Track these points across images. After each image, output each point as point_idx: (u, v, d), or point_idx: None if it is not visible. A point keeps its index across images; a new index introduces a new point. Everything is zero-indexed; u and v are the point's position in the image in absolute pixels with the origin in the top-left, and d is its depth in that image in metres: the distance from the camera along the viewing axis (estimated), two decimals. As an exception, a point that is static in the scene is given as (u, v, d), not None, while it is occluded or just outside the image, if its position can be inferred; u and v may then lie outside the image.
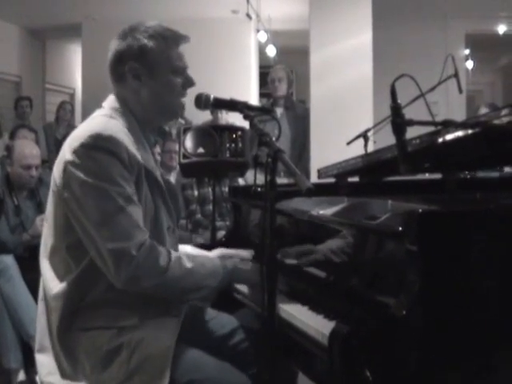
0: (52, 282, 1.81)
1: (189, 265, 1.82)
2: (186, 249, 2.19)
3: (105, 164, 1.72)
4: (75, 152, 1.74)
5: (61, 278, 1.80)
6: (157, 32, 1.88)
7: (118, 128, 1.81)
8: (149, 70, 1.87)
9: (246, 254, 2.15)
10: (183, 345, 1.81)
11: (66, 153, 1.77)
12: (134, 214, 1.74)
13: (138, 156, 1.80)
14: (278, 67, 5.91)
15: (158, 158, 4.93)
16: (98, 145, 1.73)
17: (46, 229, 1.88)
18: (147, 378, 1.71)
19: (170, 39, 1.89)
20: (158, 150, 4.94)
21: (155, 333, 1.77)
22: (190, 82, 1.95)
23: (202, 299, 1.91)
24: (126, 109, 1.89)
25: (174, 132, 6.01)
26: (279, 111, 5.60)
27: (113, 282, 1.73)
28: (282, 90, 5.65)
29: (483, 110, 5.07)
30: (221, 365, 1.81)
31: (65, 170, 1.75)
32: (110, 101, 1.92)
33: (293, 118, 5.66)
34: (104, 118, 1.84)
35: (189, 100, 1.97)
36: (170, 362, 1.73)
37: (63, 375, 1.76)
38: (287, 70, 5.81)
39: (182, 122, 6.05)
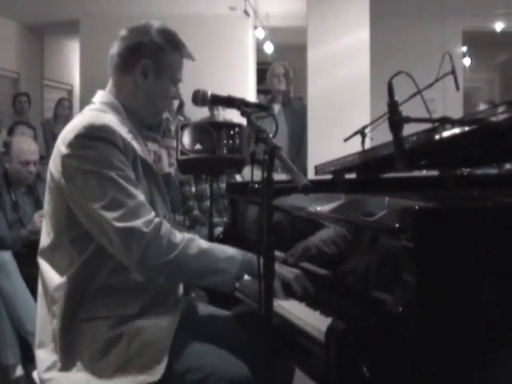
0: (54, 276, 1.82)
1: (204, 246, 1.81)
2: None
3: (102, 151, 1.74)
4: (71, 144, 1.75)
5: (63, 271, 1.80)
6: (175, 40, 1.95)
7: (110, 119, 1.83)
8: (158, 71, 1.91)
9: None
10: (182, 335, 1.83)
11: (60, 147, 1.79)
12: (138, 194, 1.75)
13: (132, 143, 1.82)
14: (279, 63, 5.91)
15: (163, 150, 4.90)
16: (93, 134, 1.75)
17: (45, 227, 1.88)
18: (146, 363, 1.72)
19: (182, 49, 1.96)
20: (155, 147, 4.92)
21: (154, 321, 1.78)
22: (177, 95, 1.99)
23: (220, 285, 1.86)
24: (118, 102, 1.92)
25: (172, 128, 5.99)
26: (277, 108, 5.59)
27: (127, 264, 1.74)
28: (282, 85, 5.64)
29: (482, 107, 5.06)
30: (219, 352, 1.82)
31: (63, 164, 1.76)
32: (100, 96, 1.94)
33: (290, 115, 5.65)
34: (95, 112, 1.87)
35: (187, 97, 1.97)
36: (168, 348, 1.74)
37: (61, 368, 1.77)
38: (287, 67, 5.81)
39: (181, 118, 6.04)
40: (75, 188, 1.75)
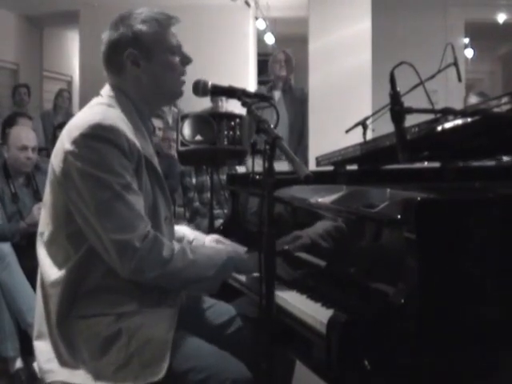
0: (50, 270, 1.81)
1: (192, 256, 1.81)
2: (182, 230, 2.19)
3: (105, 154, 1.71)
4: (75, 142, 1.73)
5: (59, 266, 1.79)
6: (148, 16, 1.87)
7: (117, 117, 1.80)
8: (146, 53, 1.86)
9: (240, 248, 2.16)
10: (183, 332, 1.82)
11: (65, 142, 1.76)
12: (136, 204, 1.73)
13: (138, 144, 1.79)
14: (281, 50, 5.94)
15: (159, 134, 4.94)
16: (98, 134, 1.72)
17: (44, 217, 1.87)
18: (147, 361, 1.71)
19: (162, 21, 1.89)
20: (160, 124, 4.93)
21: (154, 319, 1.78)
22: (187, 59, 1.95)
23: (206, 290, 1.93)
24: (125, 97, 1.88)
25: (170, 120, 5.96)
26: (277, 95, 5.58)
27: (117, 271, 1.73)
28: (283, 71, 5.64)
29: (472, 98, 5.06)
30: (220, 353, 1.81)
31: (65, 160, 1.74)
32: (108, 89, 1.90)
33: (291, 102, 5.63)
34: (103, 107, 1.83)
35: (187, 88, 1.95)
36: (170, 345, 1.73)
37: (62, 362, 1.76)
38: (289, 55, 5.80)
39: (175, 110, 6.00)
40: (74, 188, 1.73)
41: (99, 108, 1.83)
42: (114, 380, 1.70)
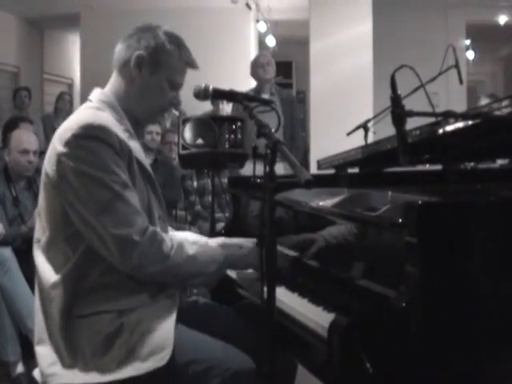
0: (49, 273, 1.81)
1: (191, 251, 1.84)
2: (184, 235, 2.20)
3: (98, 153, 1.74)
4: (67, 143, 1.75)
5: (58, 269, 1.80)
6: (177, 41, 1.92)
7: (106, 118, 1.82)
8: (153, 66, 1.89)
9: (246, 243, 2.16)
10: (185, 328, 1.83)
11: (57, 145, 1.78)
12: (132, 200, 1.76)
13: (128, 144, 1.81)
14: (261, 53, 5.81)
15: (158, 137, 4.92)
16: (90, 134, 1.74)
17: (39, 223, 1.87)
18: (149, 351, 1.71)
19: (184, 53, 1.93)
20: (157, 128, 4.89)
21: (154, 312, 1.79)
22: (176, 102, 1.97)
23: (203, 285, 1.96)
24: (115, 100, 1.91)
25: (167, 124, 5.93)
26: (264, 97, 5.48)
27: (117, 267, 1.75)
28: (268, 74, 5.49)
29: (484, 101, 5.06)
30: (222, 345, 1.82)
31: (58, 163, 1.76)
32: (97, 94, 1.93)
33: (279, 104, 5.54)
34: (92, 110, 1.86)
35: (188, 91, 1.96)
36: (172, 335, 1.74)
37: (64, 365, 1.76)
38: (270, 56, 5.62)
39: (177, 113, 5.99)
40: (70, 188, 1.74)
41: (89, 111, 1.86)
42: (119, 372, 1.70)
